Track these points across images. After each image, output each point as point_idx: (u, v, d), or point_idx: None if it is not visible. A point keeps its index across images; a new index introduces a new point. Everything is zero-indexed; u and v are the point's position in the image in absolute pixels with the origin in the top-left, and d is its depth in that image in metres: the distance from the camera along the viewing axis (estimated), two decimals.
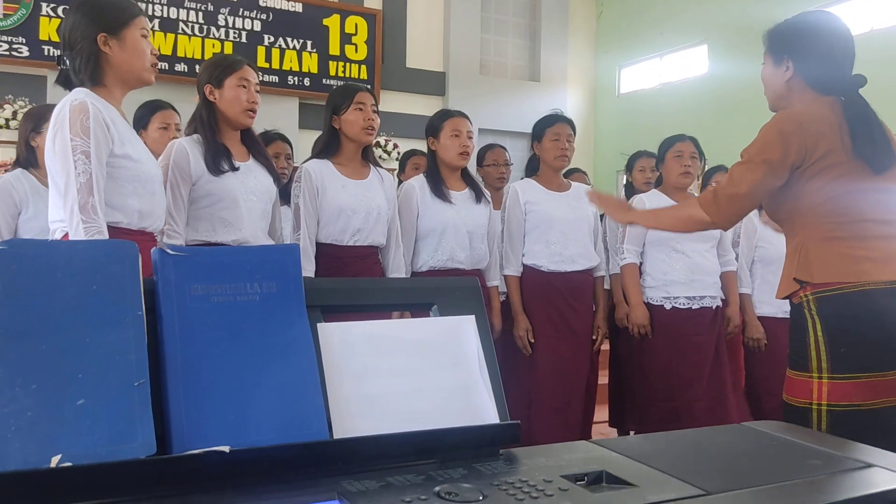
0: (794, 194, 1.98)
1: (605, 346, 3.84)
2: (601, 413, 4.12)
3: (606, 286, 3.69)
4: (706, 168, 4.02)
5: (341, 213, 2.87)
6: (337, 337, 0.94)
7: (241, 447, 0.80)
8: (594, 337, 3.52)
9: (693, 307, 3.41)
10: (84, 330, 0.80)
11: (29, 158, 3.04)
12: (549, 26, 10.77)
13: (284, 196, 3.12)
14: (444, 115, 3.28)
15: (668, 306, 3.42)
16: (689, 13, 9.78)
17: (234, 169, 2.62)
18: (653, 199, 3.53)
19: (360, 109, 2.91)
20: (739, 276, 3.65)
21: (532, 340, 3.34)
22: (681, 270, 3.42)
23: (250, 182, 2.67)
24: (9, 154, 6.44)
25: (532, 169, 3.58)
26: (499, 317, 3.35)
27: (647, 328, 3.39)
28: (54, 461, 0.74)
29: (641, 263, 3.52)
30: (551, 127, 3.42)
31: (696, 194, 3.69)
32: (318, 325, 0.94)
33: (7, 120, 6.75)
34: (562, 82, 10.77)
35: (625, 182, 4.45)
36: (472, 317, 1.03)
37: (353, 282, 1.04)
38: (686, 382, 3.36)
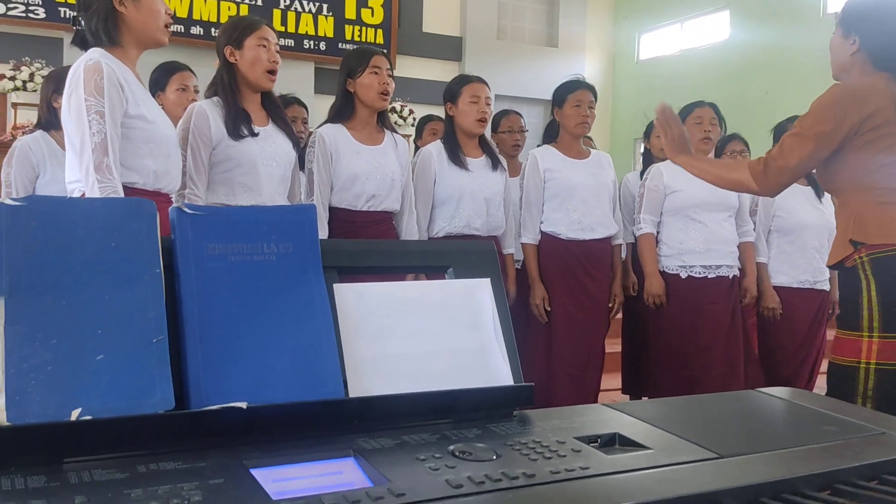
0: (847, 163, 2.03)
1: (617, 314, 3.83)
2: (614, 381, 4.13)
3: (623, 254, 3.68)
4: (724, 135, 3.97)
5: (356, 179, 2.87)
6: (353, 298, 0.95)
7: (258, 404, 0.81)
8: (610, 305, 3.51)
9: (709, 276, 3.40)
10: (103, 286, 0.81)
11: (50, 120, 3.06)
12: None
13: (300, 161, 3.12)
14: (463, 80, 3.25)
15: (683, 275, 3.41)
16: None
17: (254, 134, 2.62)
18: (670, 168, 3.49)
19: (376, 73, 2.89)
20: (756, 246, 3.63)
21: (549, 308, 3.34)
22: (697, 239, 3.40)
23: (270, 147, 2.67)
24: (26, 116, 6.47)
25: (551, 135, 3.55)
26: (513, 284, 3.36)
27: (662, 298, 3.39)
28: (74, 414, 0.75)
29: (658, 233, 3.50)
30: (573, 93, 3.39)
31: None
32: (335, 285, 0.94)
33: (24, 82, 6.76)
34: (580, 48, 10.64)
35: (643, 149, 4.41)
36: (488, 280, 1.03)
37: (370, 243, 1.04)
38: (701, 351, 3.36)
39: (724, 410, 1.04)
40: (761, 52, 8.52)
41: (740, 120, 4.83)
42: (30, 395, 0.75)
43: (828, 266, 2.14)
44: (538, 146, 3.62)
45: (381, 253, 1.02)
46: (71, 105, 2.00)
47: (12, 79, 6.83)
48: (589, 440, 0.88)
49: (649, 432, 0.92)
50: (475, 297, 1.01)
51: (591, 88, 3.44)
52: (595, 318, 3.41)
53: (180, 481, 0.70)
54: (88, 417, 0.75)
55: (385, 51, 3.34)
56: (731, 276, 3.45)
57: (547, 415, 0.97)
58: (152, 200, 0.87)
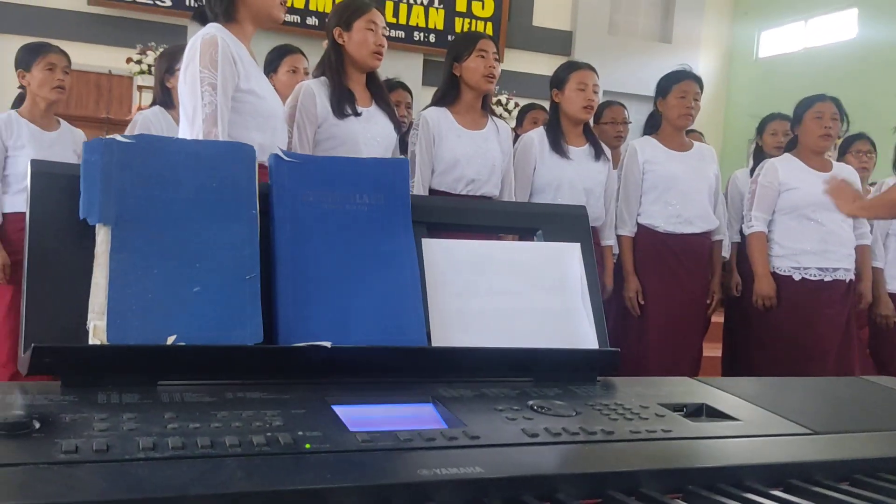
0: None
1: (719, 318, 3.70)
2: None
3: (725, 253, 3.54)
4: (847, 134, 3.76)
5: (456, 163, 2.88)
6: (440, 253, 0.95)
7: (342, 345, 0.83)
8: (708, 301, 3.39)
9: (825, 279, 3.22)
10: (203, 223, 0.84)
11: (164, 99, 3.20)
12: None
13: (402, 145, 3.16)
14: (571, 66, 3.21)
15: (797, 277, 3.24)
16: None
17: (357, 114, 2.67)
18: (785, 164, 3.34)
19: (482, 56, 2.89)
20: (872, 249, 3.43)
21: (642, 302, 3.25)
22: (813, 240, 3.23)
23: (372, 127, 2.71)
24: (151, 99, 6.81)
25: (652, 126, 3.44)
26: (611, 277, 3.29)
27: (772, 300, 3.23)
28: (169, 340, 0.78)
29: (769, 232, 3.35)
30: (679, 84, 3.28)
31: (834, 161, 3.48)
32: (423, 240, 0.95)
33: (149, 66, 7.12)
34: (695, 45, 10.31)
35: (754, 147, 4.23)
36: (578, 245, 1.01)
37: (460, 201, 1.05)
38: (811, 357, 3.18)
39: (822, 392, 0.99)
40: (891, 51, 8.04)
41: (867, 121, 4.54)
42: (130, 319, 0.79)
43: None
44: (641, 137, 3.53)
45: (470, 211, 1.03)
46: (187, 76, 2.10)
47: (138, 62, 7.22)
48: (674, 408, 0.86)
49: (740, 405, 0.88)
50: (563, 260, 0.99)
51: (698, 79, 3.32)
52: (690, 314, 3.29)
53: (264, 408, 0.72)
54: (182, 344, 0.79)
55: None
56: (847, 281, 3.27)
57: (631, 382, 0.94)
58: (252, 145, 0.90)
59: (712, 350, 3.76)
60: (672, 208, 3.25)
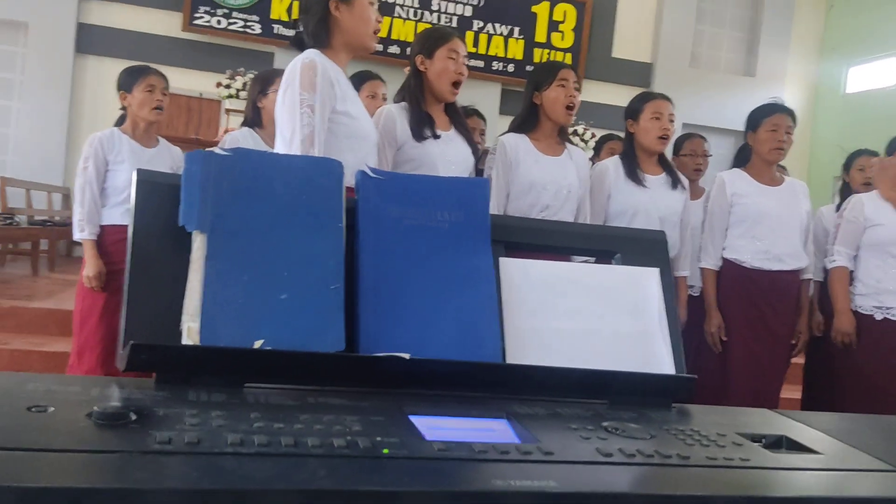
0: None
1: (798, 359, 3.57)
2: None
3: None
4: None
5: (531, 188, 2.88)
6: (517, 272, 0.96)
7: (420, 357, 0.85)
8: (794, 342, 3.28)
9: None
10: (291, 234, 0.88)
11: (254, 118, 3.31)
12: (772, 19, 10.13)
13: (476, 173, 3.18)
14: (646, 97, 3.18)
15: (878, 317, 3.13)
16: None
17: (436, 137, 2.71)
18: (873, 200, 3.24)
19: (563, 86, 2.90)
20: None
21: (724, 338, 3.17)
22: None
23: (450, 151, 2.75)
24: (238, 122, 7.05)
25: (742, 160, 3.38)
26: (684, 308, 3.22)
27: (852, 337, 3.12)
28: (257, 344, 0.82)
29: (853, 269, 3.24)
30: (770, 117, 3.21)
31: None
32: (501, 259, 0.97)
33: (237, 90, 7.39)
34: (779, 79, 10.11)
35: (841, 183, 4.11)
36: (657, 269, 1.01)
37: (538, 222, 1.06)
38: (894, 399, 3.06)
39: None
40: None
41: None
42: (221, 322, 0.83)
43: None
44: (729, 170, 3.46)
45: (548, 233, 1.04)
46: (286, 98, 2.17)
47: (227, 87, 7.51)
48: (753, 438, 0.84)
49: (821, 439, 0.86)
50: (642, 284, 0.99)
51: (790, 112, 3.24)
52: (774, 354, 3.18)
53: (344, 414, 0.75)
54: (269, 348, 0.82)
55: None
56: None
57: (708, 411, 0.93)
58: (341, 161, 0.93)
59: (790, 392, 3.64)
60: (760, 244, 3.16)
